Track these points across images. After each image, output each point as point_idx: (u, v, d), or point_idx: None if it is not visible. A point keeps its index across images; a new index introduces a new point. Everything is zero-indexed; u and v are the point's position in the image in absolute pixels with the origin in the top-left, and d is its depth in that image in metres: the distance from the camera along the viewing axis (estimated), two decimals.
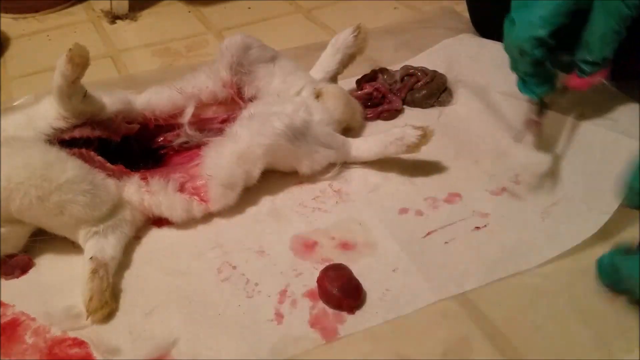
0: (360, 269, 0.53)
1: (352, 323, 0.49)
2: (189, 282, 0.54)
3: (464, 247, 0.55)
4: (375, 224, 0.58)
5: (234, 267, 0.55)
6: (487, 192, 0.61)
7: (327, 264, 0.54)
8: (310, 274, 0.53)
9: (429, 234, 0.57)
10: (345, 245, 0.56)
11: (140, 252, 0.57)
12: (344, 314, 0.50)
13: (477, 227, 0.57)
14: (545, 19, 0.54)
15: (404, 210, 0.60)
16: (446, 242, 0.56)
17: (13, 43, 0.99)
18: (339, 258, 0.55)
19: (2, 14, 1.06)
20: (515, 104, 0.67)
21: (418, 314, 0.49)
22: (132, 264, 0.56)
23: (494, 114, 0.70)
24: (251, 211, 0.61)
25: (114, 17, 1.05)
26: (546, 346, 0.46)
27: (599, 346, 0.46)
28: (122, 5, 1.05)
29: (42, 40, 0.99)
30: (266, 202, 0.62)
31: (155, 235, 0.59)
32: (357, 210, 0.60)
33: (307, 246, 0.57)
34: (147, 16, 1.06)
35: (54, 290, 0.53)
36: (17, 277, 0.54)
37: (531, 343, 0.47)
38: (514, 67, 0.59)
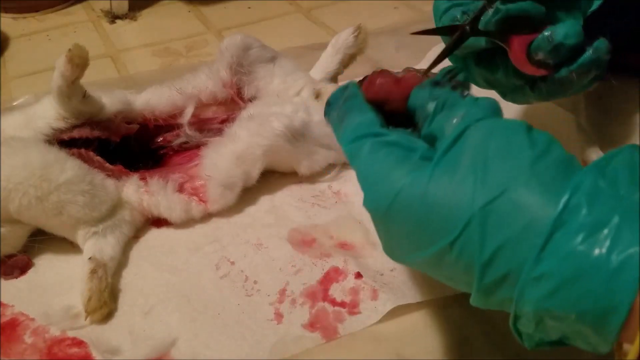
0: (359, 266, 0.53)
1: (352, 322, 0.49)
2: (187, 279, 0.54)
3: None
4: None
5: (232, 263, 0.55)
6: None
7: (327, 259, 0.54)
8: (309, 271, 0.53)
9: None
10: (344, 245, 0.56)
11: (138, 249, 0.57)
12: (344, 313, 0.50)
13: None
14: None
15: None
16: None
17: (13, 43, 0.99)
18: (337, 254, 0.55)
19: (2, 14, 1.06)
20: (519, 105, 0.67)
21: (418, 313, 0.49)
22: (130, 262, 0.56)
23: None
24: (250, 210, 0.61)
25: (113, 17, 1.04)
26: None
27: None
28: (122, 5, 1.05)
29: (42, 40, 0.99)
30: (265, 201, 0.62)
31: (153, 232, 0.59)
32: (357, 210, 0.60)
33: (305, 242, 0.57)
34: (147, 16, 1.06)
35: (53, 290, 0.53)
36: (16, 278, 0.54)
37: None
38: None
